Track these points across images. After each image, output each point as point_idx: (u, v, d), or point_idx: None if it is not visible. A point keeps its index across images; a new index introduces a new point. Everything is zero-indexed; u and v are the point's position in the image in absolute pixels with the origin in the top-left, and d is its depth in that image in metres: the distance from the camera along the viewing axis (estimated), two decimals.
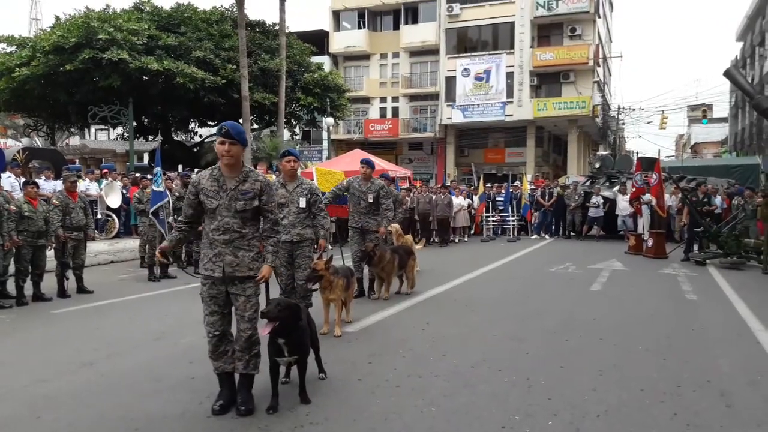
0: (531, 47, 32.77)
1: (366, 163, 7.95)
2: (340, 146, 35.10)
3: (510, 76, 33.02)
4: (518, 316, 6.98)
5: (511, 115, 32.83)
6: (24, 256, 7.88)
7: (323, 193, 7.53)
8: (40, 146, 25.65)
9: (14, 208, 7.80)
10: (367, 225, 7.84)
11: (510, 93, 32.99)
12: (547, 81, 33.42)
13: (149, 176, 10.96)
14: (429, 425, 3.75)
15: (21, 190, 9.91)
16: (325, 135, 31.68)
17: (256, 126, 26.28)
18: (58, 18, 22.91)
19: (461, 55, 34.18)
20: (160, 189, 9.78)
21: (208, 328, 4.02)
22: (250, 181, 3.98)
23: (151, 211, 9.78)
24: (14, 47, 22.12)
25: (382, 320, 6.79)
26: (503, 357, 5.26)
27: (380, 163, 21.90)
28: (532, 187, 20.39)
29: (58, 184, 12.12)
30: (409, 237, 10.74)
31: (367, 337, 6.01)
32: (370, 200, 7.76)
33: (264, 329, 3.82)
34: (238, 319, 3.99)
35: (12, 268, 7.97)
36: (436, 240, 16.77)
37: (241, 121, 20.34)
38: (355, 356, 5.27)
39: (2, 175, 10.60)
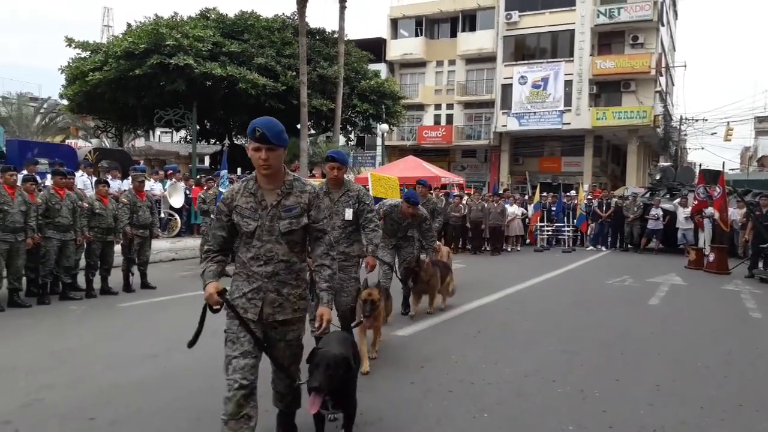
0: (591, 55, 32.15)
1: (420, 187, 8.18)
2: (394, 152, 35.29)
3: (568, 84, 32.49)
4: (572, 328, 6.89)
5: (569, 123, 32.27)
6: (94, 251, 8.30)
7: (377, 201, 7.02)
8: (109, 147, 26.81)
9: (87, 205, 8.23)
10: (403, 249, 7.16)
11: (568, 101, 32.44)
12: (607, 90, 32.70)
13: (212, 177, 11.34)
14: (487, 430, 3.77)
15: (92, 188, 10.45)
16: (379, 141, 31.92)
17: (312, 131, 26.74)
18: (129, 25, 23.94)
19: (519, 62, 33.85)
20: (225, 190, 10.11)
21: (234, 376, 2.93)
22: (295, 193, 3.11)
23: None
24: (88, 53, 23.22)
25: (434, 326, 6.83)
26: (557, 368, 5.22)
27: (432, 170, 21.97)
28: (589, 197, 20.01)
29: (125, 184, 12.69)
30: (445, 248, 9.92)
31: (419, 342, 6.06)
32: (409, 234, 7.13)
33: (312, 406, 2.97)
34: (275, 365, 3.22)
35: (82, 263, 8.40)
36: (488, 248, 16.67)
37: (299, 126, 20.75)
38: (408, 360, 5.34)
39: (76, 173, 11.17)
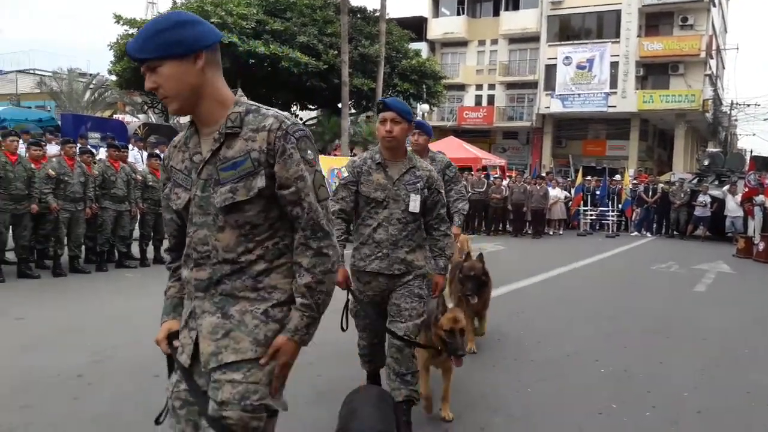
0: (638, 36, 31.26)
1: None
2: (434, 133, 35.09)
3: (614, 65, 31.71)
4: (615, 312, 6.90)
5: (614, 106, 31.56)
6: (147, 222, 8.63)
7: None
8: (156, 123, 27.44)
9: (140, 177, 8.55)
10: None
11: (614, 83, 31.70)
12: (654, 72, 31.81)
13: None
14: (524, 404, 3.88)
15: (143, 162, 10.80)
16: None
17: (353, 111, 26.84)
18: (174, 2, 24.30)
19: (563, 42, 33.17)
20: None
21: None
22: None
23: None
24: (135, 29, 23.71)
25: None
26: (599, 349, 5.27)
27: (473, 151, 21.89)
28: (634, 182, 19.67)
29: None
30: (464, 235, 6.76)
31: None
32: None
33: None
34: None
35: (137, 233, 8.75)
36: (529, 231, 16.60)
37: (340, 105, 20.86)
38: None
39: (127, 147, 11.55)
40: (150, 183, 8.60)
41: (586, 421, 3.64)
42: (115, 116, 26.00)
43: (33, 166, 7.51)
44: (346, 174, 3.40)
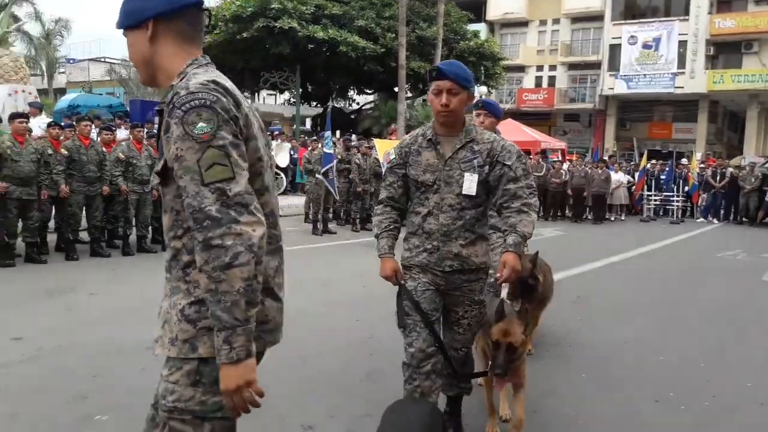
0: (708, 14, 29.75)
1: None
2: None
3: (683, 44, 30.33)
4: (677, 299, 6.72)
5: (682, 87, 30.25)
6: None
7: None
8: None
9: None
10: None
11: (682, 63, 30.35)
12: (726, 51, 30.22)
13: (316, 138, 11.76)
14: (577, 389, 3.86)
15: None
16: None
17: (410, 94, 26.78)
18: None
19: (628, 21, 31.94)
20: (330, 151, 10.53)
21: None
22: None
23: (321, 171, 10.55)
24: None
25: None
26: (658, 336, 5.16)
27: (532, 134, 21.48)
28: (702, 166, 18.88)
29: None
30: None
31: None
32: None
33: None
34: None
35: None
36: (590, 217, 16.24)
37: (396, 89, 20.86)
38: None
39: None
40: None
41: (640, 408, 3.60)
42: None
43: (104, 149, 7.89)
44: (393, 156, 2.96)
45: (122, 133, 10.61)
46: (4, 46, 21.80)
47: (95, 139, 8.16)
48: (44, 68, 34.42)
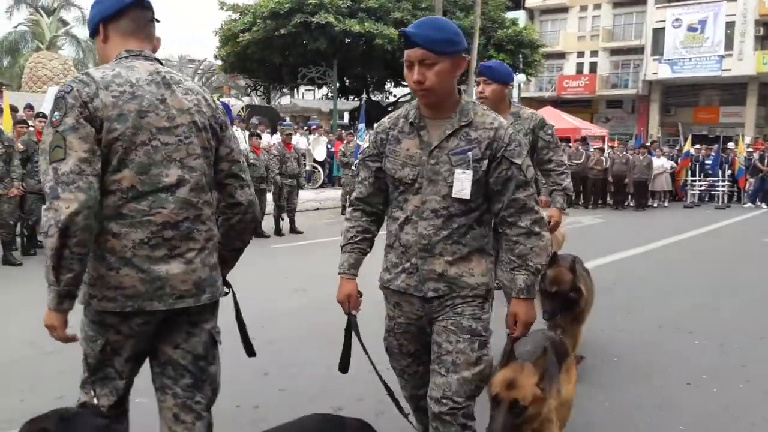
0: None
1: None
2: (531, 104, 34.10)
3: (730, 26, 29.27)
4: (718, 284, 6.59)
5: (729, 69, 29.22)
6: None
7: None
8: (258, 104, 28.68)
9: (243, 155, 9.09)
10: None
11: (729, 45, 29.30)
12: None
13: (352, 131, 11.90)
14: (610, 373, 3.87)
15: (245, 141, 11.40)
16: (516, 93, 31.06)
17: None
18: None
19: (672, 3, 30.99)
20: (364, 143, 10.66)
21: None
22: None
23: (356, 163, 10.69)
24: (238, 14, 24.73)
25: None
26: (695, 321, 5.10)
27: (573, 122, 21.15)
28: (749, 150, 18.26)
29: (273, 138, 13.67)
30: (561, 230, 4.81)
31: None
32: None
33: None
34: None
35: None
36: (631, 204, 15.94)
37: None
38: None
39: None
40: (251, 161, 9.12)
41: (672, 391, 3.59)
42: (221, 99, 27.38)
43: None
44: (366, 144, 2.46)
45: None
46: (53, 50, 22.67)
47: None
48: None
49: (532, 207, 2.04)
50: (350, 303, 2.27)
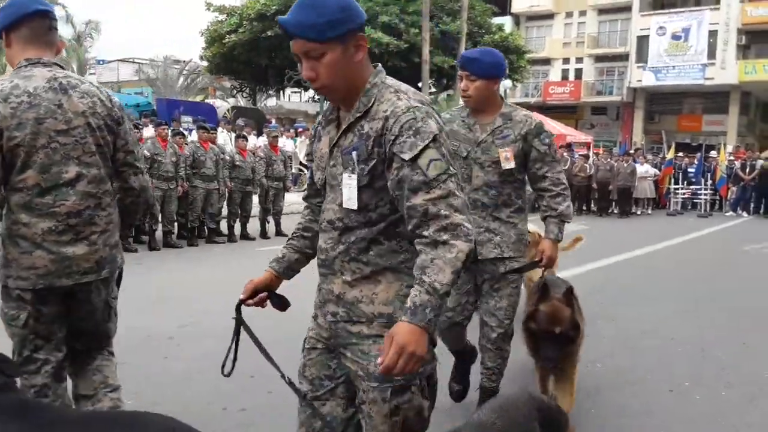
0: (741, 2, 29.05)
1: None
2: None
3: (713, 34, 29.67)
4: (700, 291, 6.65)
5: (712, 78, 29.61)
6: (234, 201, 9.12)
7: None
8: (244, 106, 28.57)
9: (228, 158, 9.03)
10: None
11: (712, 54, 29.69)
12: (759, 40, 29.42)
13: None
14: (593, 379, 3.87)
15: (231, 143, 11.34)
16: None
17: (434, 89, 26.74)
18: None
19: (657, 12, 31.37)
20: None
21: None
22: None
23: None
24: (225, 15, 24.62)
25: None
26: (677, 328, 5.13)
27: (558, 128, 21.29)
28: (731, 158, 18.52)
29: (259, 141, 13.61)
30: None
31: None
32: (508, 166, 2.84)
33: None
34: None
35: (224, 211, 9.27)
36: (615, 211, 16.08)
37: (420, 84, 20.85)
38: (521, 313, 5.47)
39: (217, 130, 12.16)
40: (237, 163, 9.06)
41: (654, 398, 3.60)
42: (206, 100, 27.25)
43: None
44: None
45: (148, 132, 10.84)
46: None
47: None
48: (75, 69, 35.19)
49: (438, 213, 1.51)
50: (245, 296, 2.00)
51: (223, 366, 1.96)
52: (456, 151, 2.66)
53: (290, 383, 1.80)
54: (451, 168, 1.55)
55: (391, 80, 1.70)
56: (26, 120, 2.03)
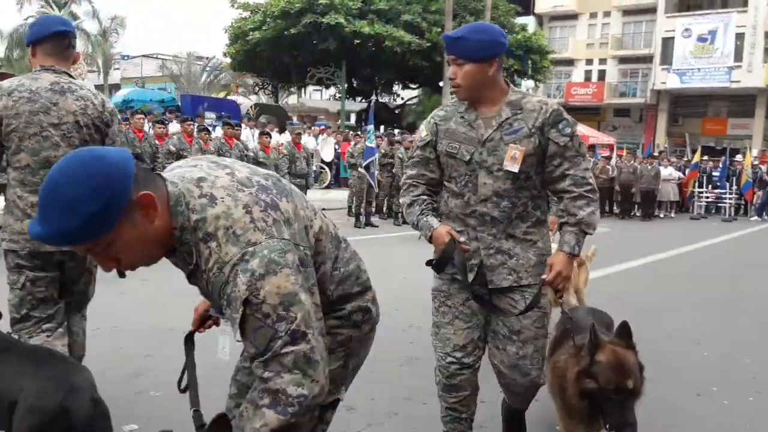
0: None
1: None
2: None
3: (740, 37, 29.21)
4: (726, 296, 6.57)
5: (738, 81, 29.17)
6: None
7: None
8: (267, 103, 28.74)
9: (252, 153, 9.10)
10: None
11: (738, 56, 29.24)
12: None
13: (359, 133, 11.91)
14: None
15: (254, 139, 11.42)
16: None
17: None
18: None
19: (683, 13, 30.97)
20: (372, 144, 10.66)
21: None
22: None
23: (363, 165, 10.68)
24: (248, 13, 24.79)
25: None
26: (703, 332, 5.07)
27: (581, 130, 21.11)
28: (756, 162, 18.22)
29: (282, 137, 13.69)
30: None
31: None
32: (512, 168, 2.26)
33: None
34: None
35: None
36: (638, 213, 15.91)
37: (441, 84, 20.81)
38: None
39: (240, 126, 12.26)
40: (261, 159, 9.12)
41: (682, 402, 3.56)
42: (229, 97, 27.45)
43: (157, 142, 8.20)
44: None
45: (174, 127, 10.97)
46: None
47: (148, 132, 8.48)
48: (100, 65, 35.70)
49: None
50: (196, 325, 1.89)
51: (179, 382, 1.90)
52: (456, 154, 2.31)
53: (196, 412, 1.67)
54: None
55: None
56: (22, 111, 2.49)
